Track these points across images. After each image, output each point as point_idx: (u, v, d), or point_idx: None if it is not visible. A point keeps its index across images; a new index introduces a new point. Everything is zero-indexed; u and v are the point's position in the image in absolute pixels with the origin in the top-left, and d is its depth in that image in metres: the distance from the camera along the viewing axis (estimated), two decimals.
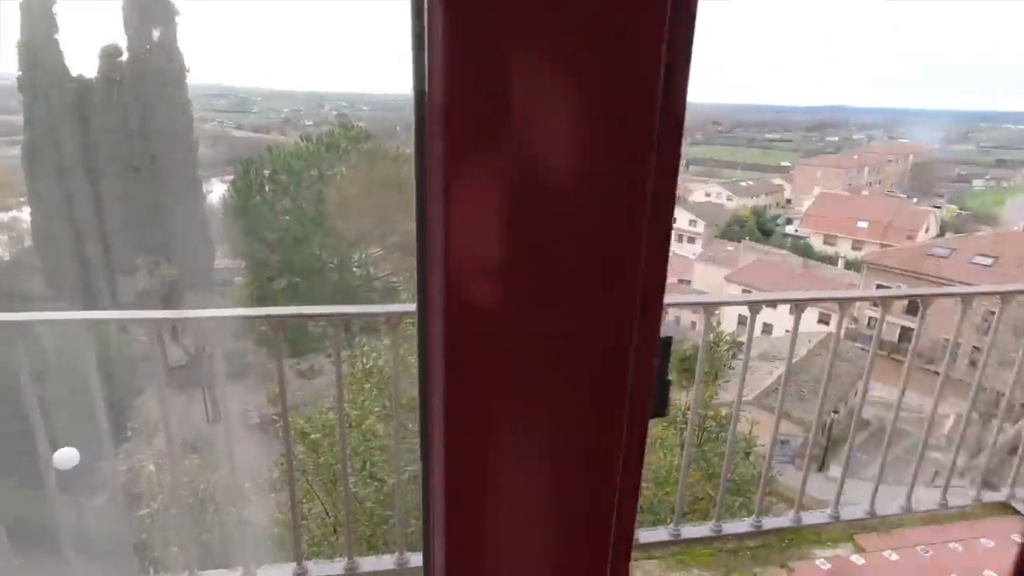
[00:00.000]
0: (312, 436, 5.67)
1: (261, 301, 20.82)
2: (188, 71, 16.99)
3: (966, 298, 4.19)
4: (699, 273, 63.54)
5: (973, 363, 28.58)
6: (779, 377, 33.10)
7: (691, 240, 79.43)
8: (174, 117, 17.80)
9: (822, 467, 31.46)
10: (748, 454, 6.88)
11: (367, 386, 5.88)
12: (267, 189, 17.38)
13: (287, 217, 17.63)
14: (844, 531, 3.50)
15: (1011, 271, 39.05)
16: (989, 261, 40.23)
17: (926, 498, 3.88)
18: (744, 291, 51.72)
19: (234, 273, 24.11)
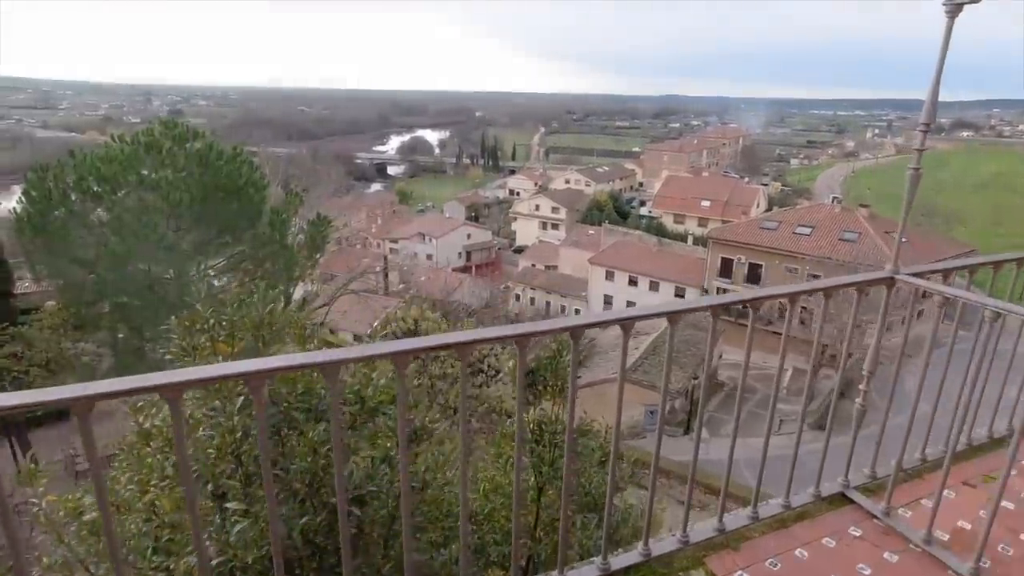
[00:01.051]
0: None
1: (83, 327, 18.02)
2: None
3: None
4: (564, 257, 66.00)
5: (802, 321, 31.64)
6: (644, 351, 34.99)
7: (555, 226, 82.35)
8: None
9: (687, 431, 34.03)
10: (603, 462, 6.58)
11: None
12: (73, 199, 14.79)
13: (104, 230, 15.16)
14: (695, 556, 3.31)
15: (824, 237, 44.75)
16: (808, 231, 45.77)
17: (772, 502, 3.84)
18: (607, 272, 54.44)
19: (46, 297, 20.64)
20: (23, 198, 14.71)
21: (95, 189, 14.67)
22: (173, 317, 4.45)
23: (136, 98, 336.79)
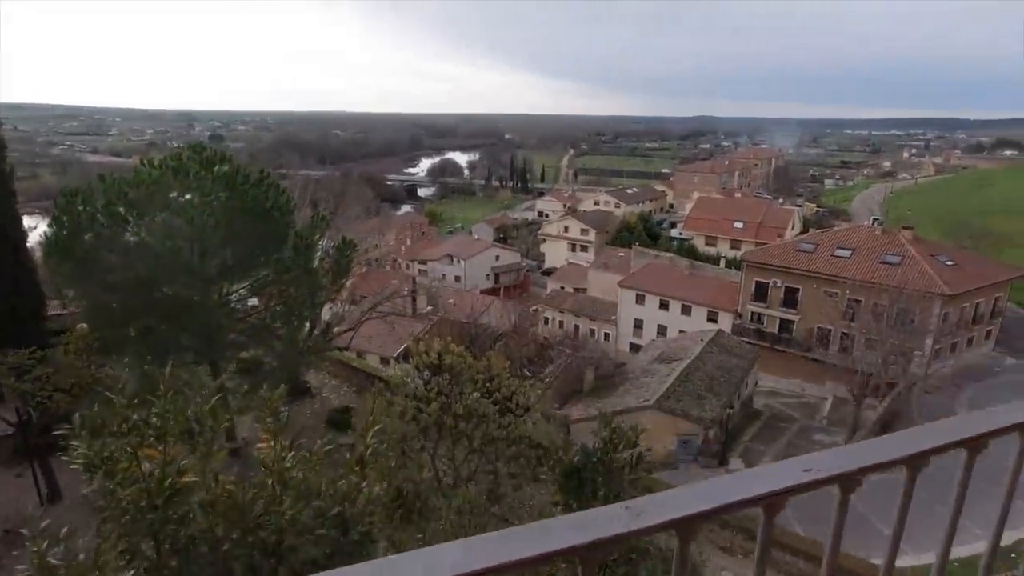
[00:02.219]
0: None
1: (109, 350, 17.95)
2: None
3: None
4: (594, 279, 65.06)
5: (844, 348, 30.00)
6: (677, 378, 33.82)
7: (583, 248, 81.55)
8: None
9: (722, 462, 32.53)
10: None
11: None
12: (102, 222, 14.77)
13: (130, 255, 15.08)
14: None
15: (865, 260, 43.04)
16: (848, 253, 44.09)
17: None
18: (637, 295, 53.33)
19: (77, 320, 20.75)
20: (52, 222, 14.75)
21: (122, 213, 14.64)
22: (77, 415, 3.79)
23: (179, 124, 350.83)
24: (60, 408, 17.41)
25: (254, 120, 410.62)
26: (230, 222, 15.77)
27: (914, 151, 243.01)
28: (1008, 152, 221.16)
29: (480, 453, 9.96)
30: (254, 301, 19.87)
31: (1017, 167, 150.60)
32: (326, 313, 32.56)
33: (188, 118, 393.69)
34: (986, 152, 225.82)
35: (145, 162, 15.70)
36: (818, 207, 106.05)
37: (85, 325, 19.23)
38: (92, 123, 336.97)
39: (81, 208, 14.73)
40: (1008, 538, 24.74)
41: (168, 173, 15.34)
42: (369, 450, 3.30)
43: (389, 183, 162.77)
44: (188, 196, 15.69)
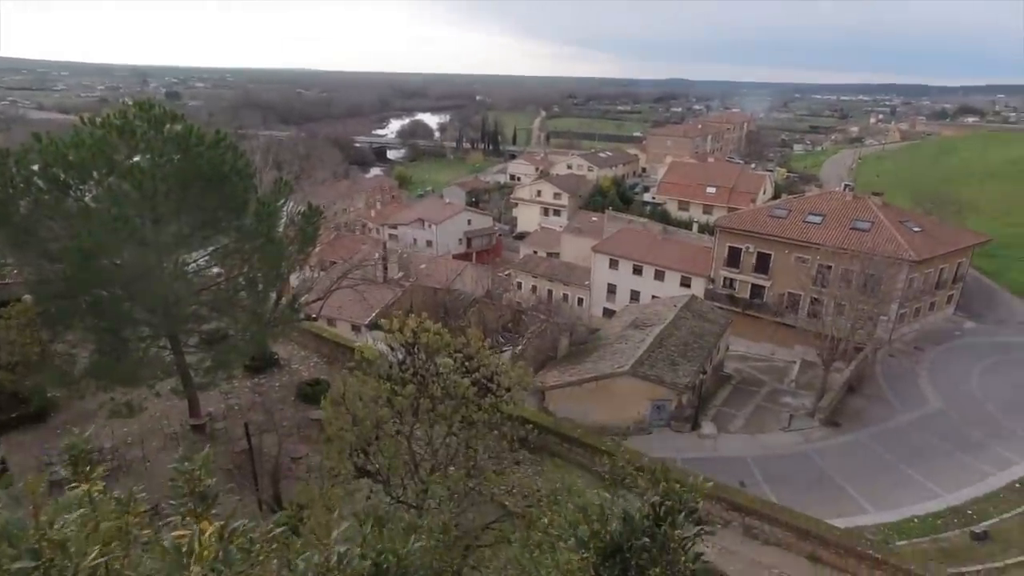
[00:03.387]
0: None
1: (56, 323, 16.75)
2: None
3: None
4: (567, 244, 64.58)
5: (813, 314, 30.04)
6: (651, 344, 33.85)
7: (556, 212, 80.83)
8: None
9: (695, 426, 32.93)
10: None
11: None
12: (40, 187, 13.44)
13: (73, 221, 13.83)
14: None
15: (836, 226, 43.36)
16: (819, 219, 44.32)
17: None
18: (611, 260, 53.09)
19: (25, 289, 19.37)
20: None
21: (62, 177, 13.33)
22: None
23: (133, 80, 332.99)
24: (5, 389, 16.34)
25: (213, 77, 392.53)
26: (184, 187, 14.59)
27: (881, 117, 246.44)
28: (970, 119, 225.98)
29: (458, 436, 9.43)
30: (217, 270, 18.79)
31: (978, 134, 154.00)
32: (294, 281, 31.40)
33: (142, 74, 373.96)
34: (949, 119, 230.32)
35: (87, 121, 14.29)
36: (789, 172, 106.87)
37: (29, 297, 17.93)
38: (36, 77, 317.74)
39: (15, 171, 13.37)
40: (961, 497, 25.69)
41: (112, 133, 14.00)
42: (334, 558, 2.50)
43: (357, 145, 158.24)
44: (137, 159, 14.41)
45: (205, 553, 2.10)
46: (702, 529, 2.80)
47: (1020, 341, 41.01)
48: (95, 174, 13.79)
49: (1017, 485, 26.01)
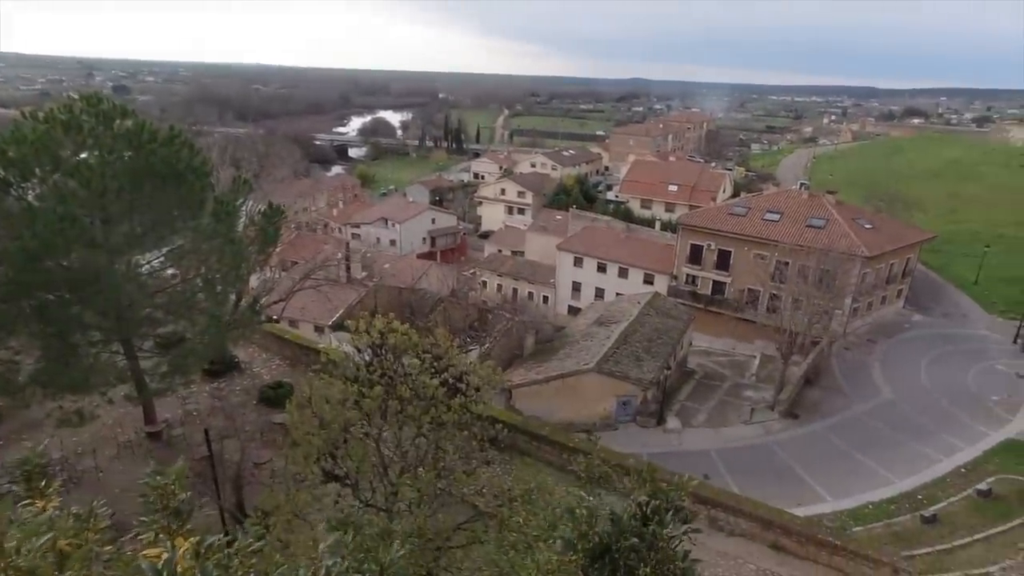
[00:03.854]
0: None
1: (0, 326, 15.85)
2: None
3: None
4: (532, 242, 64.72)
5: (772, 309, 30.83)
6: (616, 341, 34.20)
7: (521, 211, 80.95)
8: None
9: (660, 421, 33.43)
10: None
11: None
12: None
13: (13, 221, 13.08)
14: None
15: (793, 224, 44.65)
16: (777, 217, 45.55)
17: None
18: (575, 258, 53.46)
19: None
20: None
21: (2, 175, 12.59)
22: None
23: (78, 73, 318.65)
24: None
25: (164, 71, 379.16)
26: (136, 185, 13.99)
27: (833, 118, 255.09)
28: (915, 120, 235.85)
29: (428, 438, 9.28)
30: (173, 272, 18.11)
31: (923, 135, 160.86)
32: (254, 281, 30.55)
33: (88, 66, 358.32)
34: (896, 120, 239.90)
35: (28, 115, 13.55)
36: (747, 171, 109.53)
37: None
38: None
39: None
40: (912, 483, 26.80)
41: (57, 128, 13.31)
42: (322, 571, 2.33)
43: (318, 143, 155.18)
44: (84, 155, 13.74)
45: (182, 572, 1.95)
46: (690, 528, 2.77)
47: (964, 333, 43.04)
48: (38, 171, 13.10)
49: (963, 470, 27.28)
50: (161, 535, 2.31)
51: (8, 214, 12.97)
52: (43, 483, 2.84)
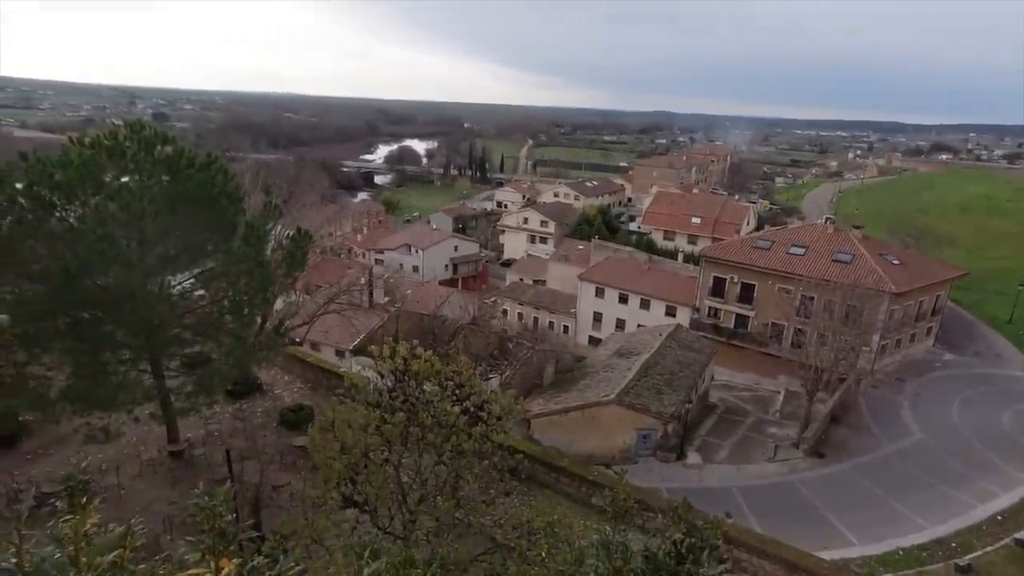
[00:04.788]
0: None
1: (33, 345, 16.31)
2: None
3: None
4: (553, 271, 64.82)
5: (797, 345, 30.32)
6: (637, 373, 33.84)
7: (543, 240, 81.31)
8: None
9: (680, 456, 32.77)
10: None
11: None
12: (24, 206, 13.22)
13: (57, 242, 13.59)
14: None
15: (818, 258, 44.11)
16: (802, 251, 45.08)
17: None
18: (597, 288, 53.33)
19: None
20: None
21: (47, 197, 13.15)
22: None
23: (120, 100, 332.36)
24: None
25: (201, 99, 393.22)
26: (172, 209, 14.46)
27: (858, 152, 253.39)
28: (944, 156, 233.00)
29: (448, 466, 9.25)
30: (201, 293, 18.53)
31: (952, 171, 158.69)
32: (278, 304, 31.04)
33: (129, 94, 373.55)
34: (924, 156, 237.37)
35: (75, 141, 14.17)
36: (771, 204, 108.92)
37: (5, 317, 17.50)
38: (20, 96, 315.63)
39: None
40: (944, 529, 25.74)
41: (101, 153, 13.88)
42: None
43: (345, 169, 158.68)
44: (125, 179, 14.28)
45: None
46: (725, 568, 2.74)
47: (998, 373, 41.69)
48: (81, 194, 13.63)
49: (999, 517, 26.15)
50: (207, 556, 2.37)
51: (52, 235, 13.48)
52: (84, 499, 2.93)
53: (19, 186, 13.38)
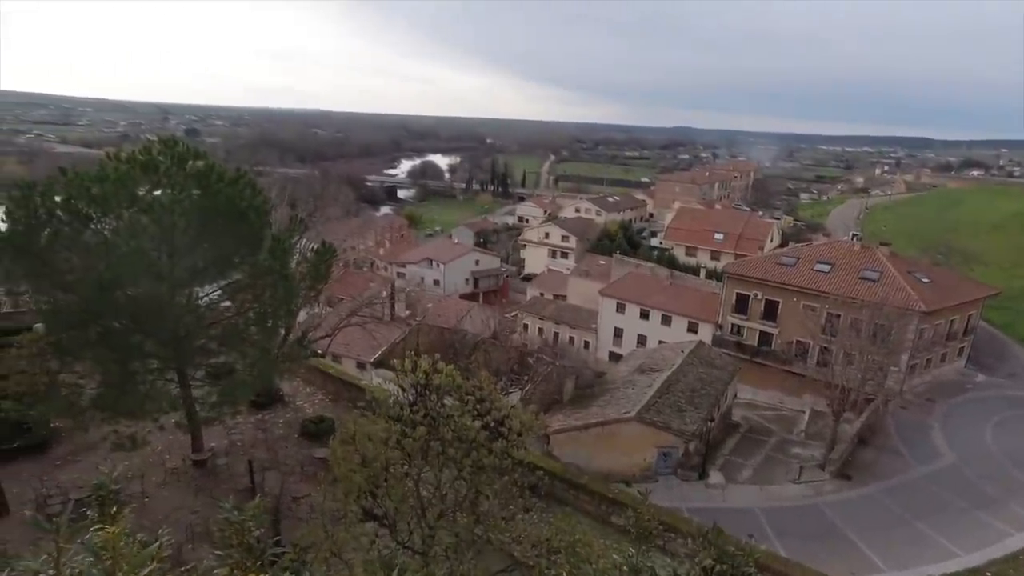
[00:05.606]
0: None
1: (66, 353, 16.76)
2: None
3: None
4: (574, 286, 64.70)
5: (823, 363, 29.71)
6: (658, 390, 33.45)
7: (564, 255, 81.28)
8: None
9: (702, 475, 32.20)
10: None
11: None
12: (61, 218, 13.70)
13: (92, 254, 14.02)
14: None
15: (845, 276, 43.34)
16: (828, 268, 44.37)
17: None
18: (618, 304, 53.05)
19: (35, 319, 19.47)
20: (7, 216, 13.65)
21: (84, 210, 13.61)
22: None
23: (154, 116, 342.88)
24: (9, 418, 16.23)
25: (231, 116, 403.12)
26: (202, 222, 14.82)
27: (886, 168, 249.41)
28: (975, 172, 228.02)
29: (467, 481, 9.23)
30: (228, 304, 18.89)
31: (983, 187, 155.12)
32: (302, 316, 31.46)
33: (163, 111, 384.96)
34: (953, 172, 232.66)
35: (111, 156, 14.65)
36: (795, 220, 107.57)
37: (41, 326, 18.01)
38: (60, 113, 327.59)
39: (39, 203, 13.65)
40: (979, 558, 24.81)
41: (136, 168, 14.32)
42: None
43: (369, 184, 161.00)
44: (157, 193, 14.70)
45: None
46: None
47: None
48: (116, 208, 14.06)
49: None
50: (236, 571, 2.40)
51: (86, 247, 13.90)
52: (114, 509, 2.99)
53: (58, 199, 13.84)
